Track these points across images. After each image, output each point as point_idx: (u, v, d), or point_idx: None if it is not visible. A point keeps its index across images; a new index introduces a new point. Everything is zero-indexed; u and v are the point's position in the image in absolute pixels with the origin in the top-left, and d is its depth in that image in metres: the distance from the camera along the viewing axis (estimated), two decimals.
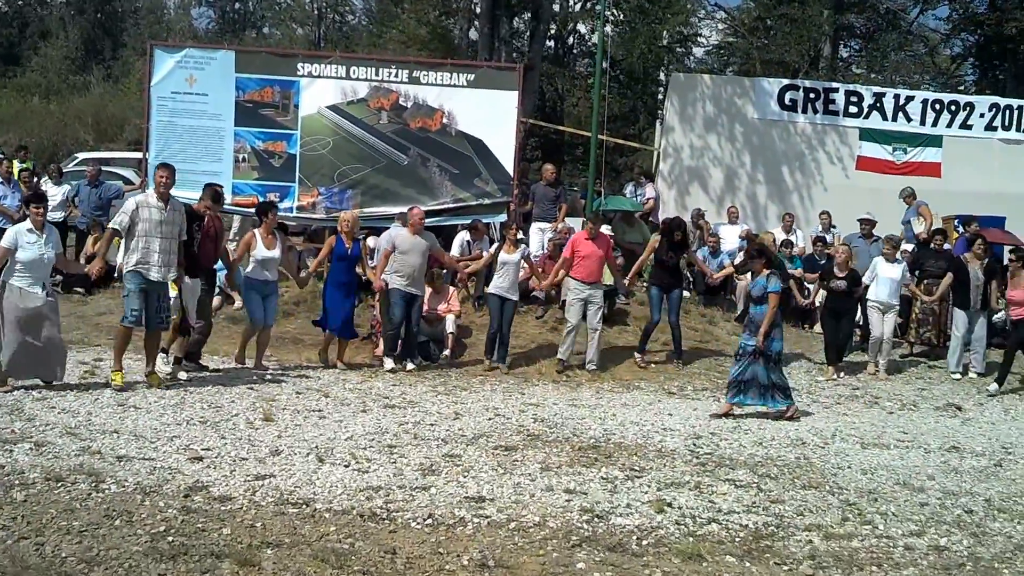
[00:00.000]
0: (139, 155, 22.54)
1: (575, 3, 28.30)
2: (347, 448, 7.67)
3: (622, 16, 25.12)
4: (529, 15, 24.16)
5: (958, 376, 12.88)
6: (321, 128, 15.07)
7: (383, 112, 15.14)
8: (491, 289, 12.13)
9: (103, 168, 17.42)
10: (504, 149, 15.00)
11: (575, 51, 29.87)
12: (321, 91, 15.12)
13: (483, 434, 8.49)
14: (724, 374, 12.16)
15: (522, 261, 12.24)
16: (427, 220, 14.81)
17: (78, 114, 33.38)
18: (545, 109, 26.70)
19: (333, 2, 54.58)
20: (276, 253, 11.22)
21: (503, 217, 14.97)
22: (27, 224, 9.12)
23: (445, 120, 15.05)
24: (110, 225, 9.89)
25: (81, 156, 23.12)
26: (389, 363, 11.55)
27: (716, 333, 13.95)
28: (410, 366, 11.57)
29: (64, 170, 17.92)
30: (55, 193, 15.61)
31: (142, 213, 9.46)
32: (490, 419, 9.20)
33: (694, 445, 8.60)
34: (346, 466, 7.13)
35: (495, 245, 12.47)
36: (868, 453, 8.68)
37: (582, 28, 29.01)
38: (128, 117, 33.12)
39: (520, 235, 12.93)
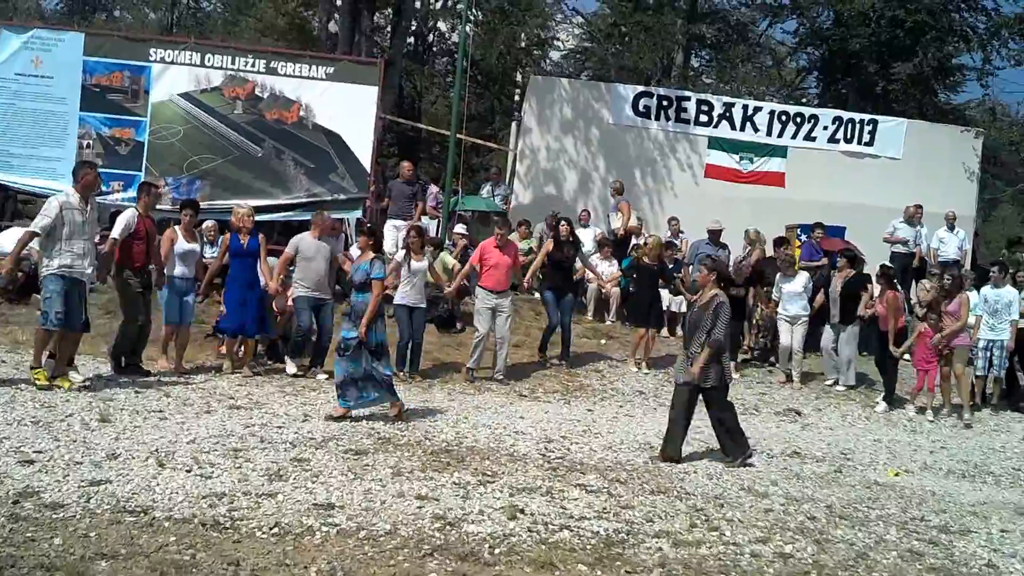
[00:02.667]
0: None
1: (436, 1, 28.16)
2: (189, 452, 7.39)
3: (482, 16, 25.10)
4: (391, 10, 23.91)
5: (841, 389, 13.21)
6: (172, 116, 14.66)
7: (238, 102, 14.84)
8: (398, 300, 11.63)
9: None
10: (362, 145, 14.87)
11: (434, 48, 29.70)
12: (174, 78, 14.73)
13: (333, 437, 8.33)
14: (576, 376, 12.37)
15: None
16: (280, 215, 14.65)
17: None
18: (403, 106, 26.46)
19: None
20: (196, 247, 11.02)
21: (358, 213, 14.81)
22: None
23: (302, 113, 14.84)
24: (31, 227, 9.33)
25: None
26: (291, 367, 11.16)
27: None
28: (321, 376, 11.10)
29: None
30: None
31: (66, 215, 9.13)
32: (339, 422, 9.04)
33: (546, 449, 8.66)
34: (188, 471, 6.85)
35: (400, 252, 12.01)
36: (714, 457, 8.89)
37: (442, 26, 28.86)
38: None
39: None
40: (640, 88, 19.34)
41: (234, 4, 50.52)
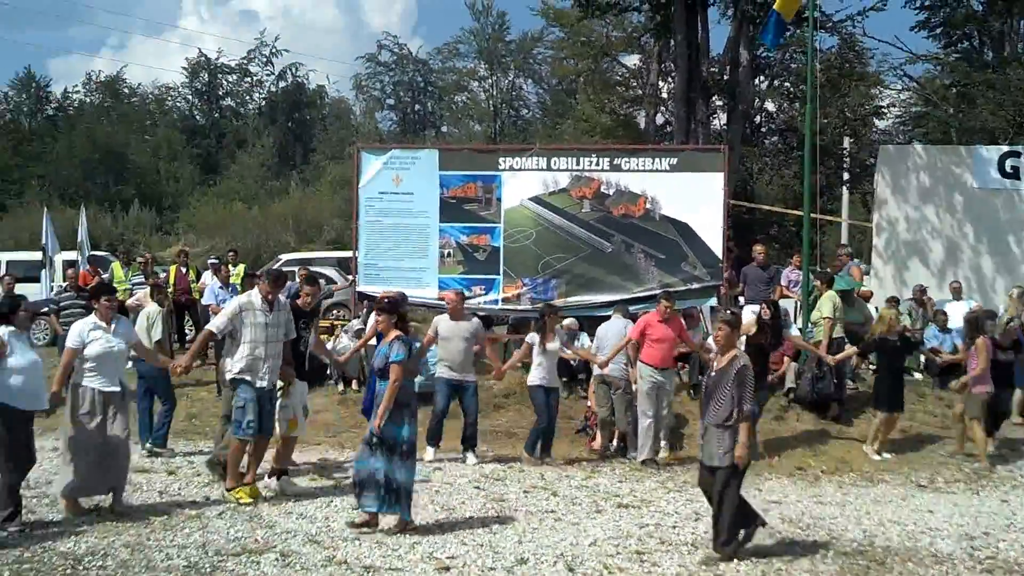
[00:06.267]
0: (338, 254, 23.45)
1: (762, 81, 27.83)
2: (594, 555, 7.24)
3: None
4: (727, 96, 23.77)
5: None
6: (524, 220, 15.01)
7: (585, 201, 14.98)
8: (534, 381, 11.21)
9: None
10: (711, 232, 14.57)
11: (763, 128, 29.30)
12: (523, 183, 15.09)
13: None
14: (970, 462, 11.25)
15: (562, 348, 11.51)
16: (635, 307, 14.53)
17: (278, 217, 34.90)
18: (736, 188, 26.20)
19: (508, 97, 56.05)
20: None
21: (713, 301, 14.51)
22: (92, 319, 8.46)
23: (648, 205, 14.76)
24: (207, 327, 9.23)
25: (284, 257, 24.01)
26: (429, 453, 10.80)
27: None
28: (472, 460, 10.88)
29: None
30: None
31: (246, 317, 8.81)
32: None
33: (971, 548, 7.77)
34: None
35: (531, 334, 11.55)
36: None
37: (770, 106, 28.52)
38: (325, 218, 34.45)
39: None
40: (1005, 148, 17.88)
41: (553, 109, 52.98)
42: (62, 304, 13.84)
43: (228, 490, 8.78)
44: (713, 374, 7.43)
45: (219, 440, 9.80)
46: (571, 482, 10.06)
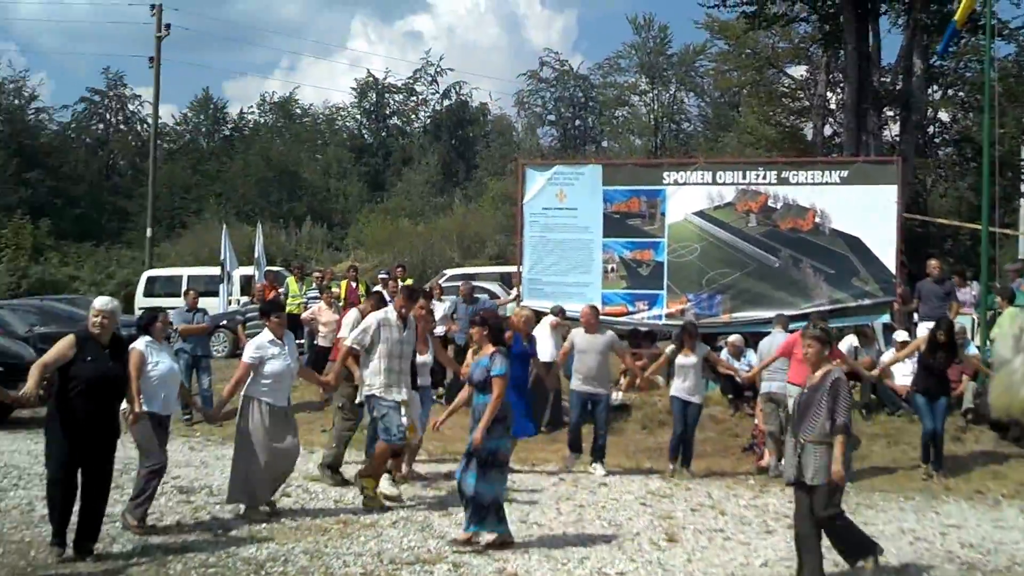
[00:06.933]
0: (501, 269, 23.77)
1: (935, 91, 26.81)
2: None
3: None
4: (899, 107, 23.01)
5: None
6: (688, 234, 14.92)
7: (751, 215, 14.79)
8: (674, 392, 11.39)
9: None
10: (883, 246, 14.19)
11: (936, 139, 28.19)
12: (687, 198, 15.01)
13: (910, 563, 7.65)
14: None
15: (700, 360, 11.35)
16: (796, 323, 14.21)
17: (443, 233, 35.63)
18: (908, 201, 25.31)
19: (669, 111, 55.65)
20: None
21: (885, 318, 14.07)
22: (268, 336, 8.81)
23: (818, 219, 14.46)
24: (347, 342, 9.36)
25: (449, 273, 24.49)
26: (599, 470, 11.05)
27: None
28: (600, 471, 10.97)
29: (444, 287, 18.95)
30: (437, 310, 16.44)
31: (383, 332, 9.00)
32: (911, 543, 8.33)
33: None
34: None
35: (670, 347, 11.76)
36: None
37: (943, 116, 27.44)
38: (488, 234, 34.96)
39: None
40: None
41: (715, 122, 52.32)
42: (248, 316, 14.49)
43: (369, 498, 9.00)
44: (806, 391, 7.15)
45: (332, 445, 10.22)
46: (739, 501, 9.91)
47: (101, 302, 7.57)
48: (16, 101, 52.69)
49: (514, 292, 16.81)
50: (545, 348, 12.69)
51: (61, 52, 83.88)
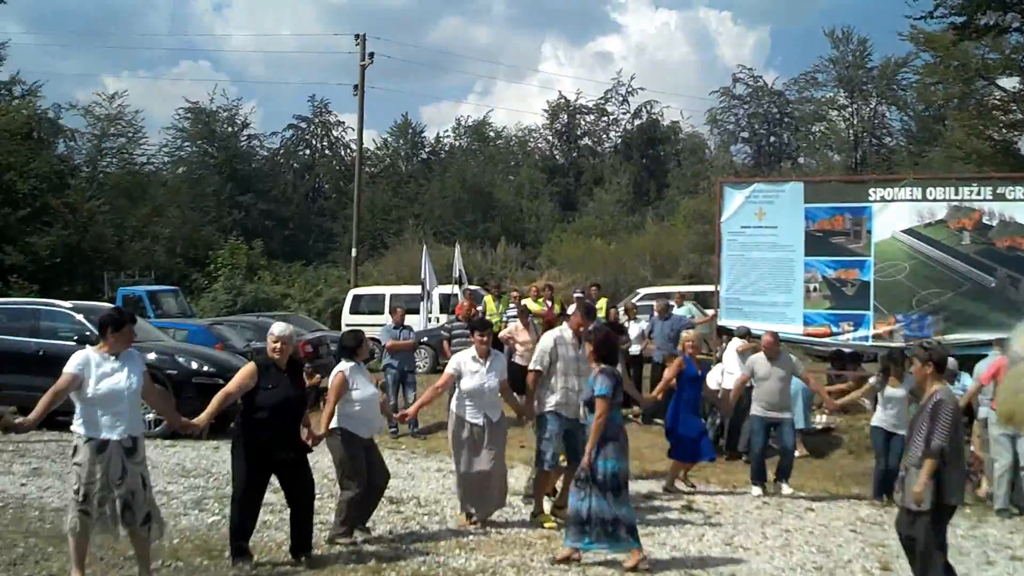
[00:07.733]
0: (696, 288, 23.57)
1: None
2: None
3: None
4: None
5: None
6: (896, 253, 14.39)
7: (965, 232, 14.12)
8: (876, 422, 10.93)
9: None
10: None
11: None
12: (895, 215, 14.49)
13: None
14: None
15: (908, 392, 10.60)
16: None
17: (635, 252, 35.59)
18: None
19: (870, 126, 53.80)
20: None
21: None
22: (471, 352, 8.96)
23: None
24: (531, 365, 9.08)
25: (643, 292, 24.47)
26: (756, 490, 10.99)
27: None
28: (786, 490, 10.99)
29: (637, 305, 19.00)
30: (632, 329, 16.51)
31: (560, 350, 8.88)
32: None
33: None
34: None
35: (874, 378, 11.24)
36: None
37: None
38: (681, 252, 34.70)
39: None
40: None
41: (919, 136, 50.22)
42: (454, 332, 14.91)
43: (534, 515, 9.12)
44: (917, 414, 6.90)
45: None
46: (956, 530, 9.43)
47: (279, 328, 7.65)
48: (230, 129, 55.86)
49: (710, 311, 16.64)
50: (734, 373, 12.64)
51: (270, 81, 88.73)
